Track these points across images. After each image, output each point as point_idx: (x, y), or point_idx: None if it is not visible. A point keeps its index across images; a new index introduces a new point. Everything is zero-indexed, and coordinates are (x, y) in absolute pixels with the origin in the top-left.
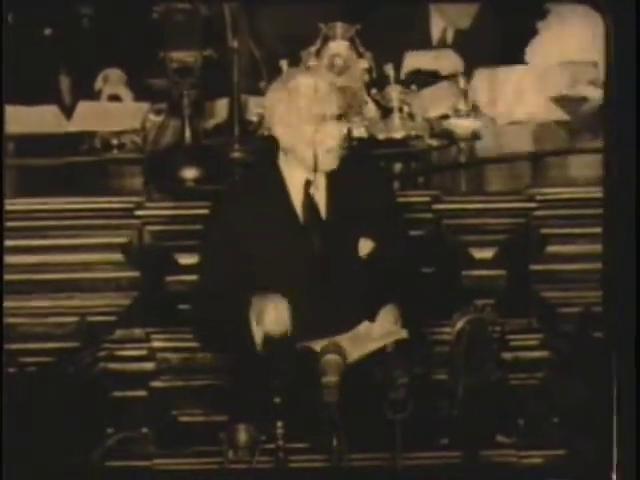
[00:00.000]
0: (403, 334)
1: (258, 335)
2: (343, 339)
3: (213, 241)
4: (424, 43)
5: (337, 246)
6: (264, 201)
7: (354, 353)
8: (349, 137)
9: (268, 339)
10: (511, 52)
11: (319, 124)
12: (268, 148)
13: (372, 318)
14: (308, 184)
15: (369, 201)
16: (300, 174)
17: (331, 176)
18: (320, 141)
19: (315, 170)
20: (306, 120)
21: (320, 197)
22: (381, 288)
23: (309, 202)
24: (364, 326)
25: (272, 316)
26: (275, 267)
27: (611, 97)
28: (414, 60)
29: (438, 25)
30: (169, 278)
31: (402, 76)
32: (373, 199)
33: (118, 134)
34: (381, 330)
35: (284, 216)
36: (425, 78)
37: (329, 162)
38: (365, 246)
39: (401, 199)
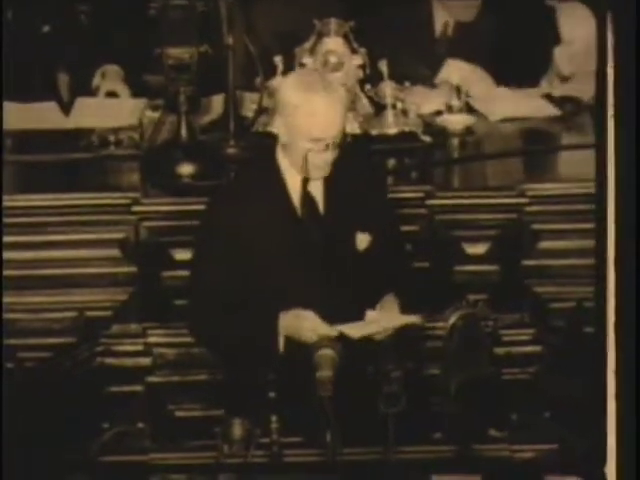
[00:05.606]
0: (413, 319)
1: (281, 343)
2: (348, 327)
3: (210, 238)
4: (426, 37)
5: (336, 239)
6: (262, 196)
7: (358, 333)
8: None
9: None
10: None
11: (315, 144)
12: (266, 143)
13: (371, 307)
14: (306, 181)
15: (364, 196)
16: (296, 173)
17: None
18: (311, 159)
19: (306, 178)
20: (304, 137)
21: (317, 191)
22: (378, 280)
23: (307, 197)
24: (370, 316)
25: (309, 328)
26: (275, 261)
27: (603, 93)
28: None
29: (440, 19)
30: (166, 273)
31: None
32: (367, 194)
33: (115, 130)
34: (388, 321)
35: (283, 211)
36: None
37: (318, 174)
38: (363, 241)
39: (395, 194)
